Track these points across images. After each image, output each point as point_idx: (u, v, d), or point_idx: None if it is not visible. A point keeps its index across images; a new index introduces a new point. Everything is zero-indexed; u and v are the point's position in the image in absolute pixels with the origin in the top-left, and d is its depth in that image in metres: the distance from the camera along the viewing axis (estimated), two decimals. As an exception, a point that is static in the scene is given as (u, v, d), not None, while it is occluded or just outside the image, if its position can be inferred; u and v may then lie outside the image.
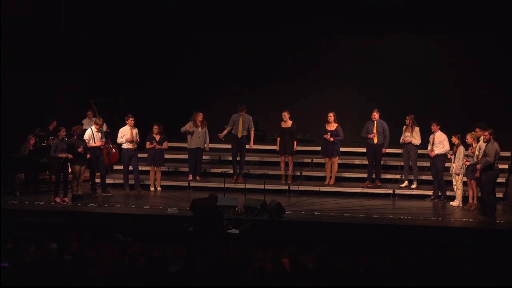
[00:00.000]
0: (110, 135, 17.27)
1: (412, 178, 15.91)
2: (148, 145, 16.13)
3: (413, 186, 15.81)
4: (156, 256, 10.31)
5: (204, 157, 17.27)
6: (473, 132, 14.19)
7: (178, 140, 17.37)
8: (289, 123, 16.22)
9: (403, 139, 15.71)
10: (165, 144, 16.30)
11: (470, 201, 14.43)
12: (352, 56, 18.95)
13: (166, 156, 17.02)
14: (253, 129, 16.69)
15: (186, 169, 16.83)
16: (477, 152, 13.82)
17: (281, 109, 16.44)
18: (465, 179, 14.50)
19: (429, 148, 15.22)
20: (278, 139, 16.36)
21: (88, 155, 15.38)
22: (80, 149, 15.13)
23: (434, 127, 15.22)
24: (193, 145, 16.40)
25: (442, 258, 11.73)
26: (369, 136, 15.90)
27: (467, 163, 14.05)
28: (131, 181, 16.18)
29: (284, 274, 9.19)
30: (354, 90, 19.02)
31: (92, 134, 15.72)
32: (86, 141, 15.58)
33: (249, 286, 8.88)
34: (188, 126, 16.43)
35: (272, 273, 9.05)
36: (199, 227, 12.14)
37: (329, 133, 15.85)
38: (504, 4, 17.22)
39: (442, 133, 15.16)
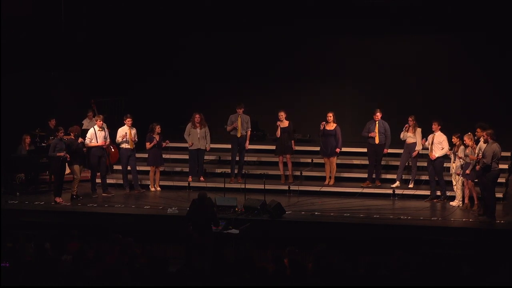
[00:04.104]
0: (110, 135, 17.24)
1: (406, 178, 15.97)
2: (148, 145, 16.08)
3: (410, 185, 15.82)
4: (156, 256, 10.29)
5: (205, 157, 17.25)
6: (469, 133, 14.19)
7: (178, 140, 17.37)
8: (286, 123, 16.23)
9: (404, 134, 15.65)
10: (165, 143, 16.30)
11: (466, 201, 14.44)
12: (352, 56, 18.95)
13: (166, 156, 17.03)
14: (250, 129, 16.70)
15: (186, 169, 16.82)
16: (477, 152, 13.82)
17: (281, 109, 16.45)
18: (462, 178, 14.51)
19: (425, 145, 15.20)
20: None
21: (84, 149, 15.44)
22: (84, 149, 15.27)
23: (435, 126, 15.19)
24: (193, 147, 16.39)
25: (442, 258, 11.75)
26: (370, 135, 15.89)
27: (477, 167, 14.00)
28: (130, 181, 16.21)
29: (284, 274, 9.19)
30: (354, 90, 19.02)
31: (94, 133, 15.72)
32: (88, 140, 15.60)
33: (249, 286, 8.88)
34: (188, 129, 16.41)
35: (272, 273, 9.05)
36: (193, 225, 12.20)
37: (324, 122, 15.84)
38: (504, 4, 17.22)
39: (442, 134, 15.15)
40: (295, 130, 16.65)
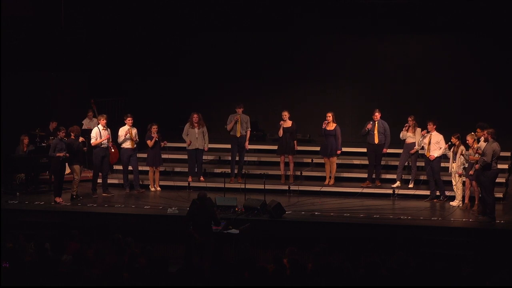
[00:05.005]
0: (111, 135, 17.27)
1: (406, 178, 15.98)
2: (149, 143, 16.03)
3: (410, 185, 15.83)
4: (156, 256, 10.30)
5: (205, 157, 17.26)
6: (473, 133, 14.18)
7: (177, 140, 17.36)
8: (289, 123, 16.24)
9: (404, 133, 15.66)
10: (163, 143, 16.32)
11: (466, 201, 14.45)
12: (352, 56, 18.95)
13: (166, 156, 17.04)
14: (249, 129, 16.72)
15: (185, 169, 16.83)
16: (476, 149, 13.84)
17: (281, 109, 16.46)
18: (464, 178, 14.52)
19: (421, 146, 15.25)
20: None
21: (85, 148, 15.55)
22: (84, 148, 15.36)
23: (430, 126, 15.22)
24: (191, 146, 16.40)
25: (442, 258, 11.75)
26: (366, 127, 15.85)
27: (476, 166, 13.94)
28: (131, 181, 16.22)
29: (284, 274, 9.19)
30: (354, 90, 19.02)
31: (99, 132, 15.72)
32: (94, 139, 15.60)
33: (249, 286, 8.88)
34: (186, 129, 16.42)
35: (272, 273, 9.05)
36: (193, 225, 12.22)
37: (326, 121, 15.85)
38: (504, 4, 17.23)
39: (438, 133, 15.19)
40: (297, 130, 16.61)
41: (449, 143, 14.77)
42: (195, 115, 16.41)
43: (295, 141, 16.29)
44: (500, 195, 14.92)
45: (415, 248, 12.45)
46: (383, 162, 16.33)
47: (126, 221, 14.08)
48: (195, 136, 16.37)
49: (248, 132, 16.67)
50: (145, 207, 14.89)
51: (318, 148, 16.51)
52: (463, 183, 14.57)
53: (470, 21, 17.63)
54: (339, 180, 16.30)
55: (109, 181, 16.19)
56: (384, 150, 16.00)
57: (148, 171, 16.32)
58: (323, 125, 15.91)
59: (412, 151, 15.65)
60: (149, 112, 18.40)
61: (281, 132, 16.19)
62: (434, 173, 15.12)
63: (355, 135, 17.52)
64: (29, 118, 17.26)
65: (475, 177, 13.89)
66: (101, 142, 15.65)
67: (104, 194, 15.78)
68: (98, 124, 16.00)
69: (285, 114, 16.24)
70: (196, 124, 16.37)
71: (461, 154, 14.34)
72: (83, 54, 18.77)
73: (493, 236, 12.99)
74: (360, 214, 14.23)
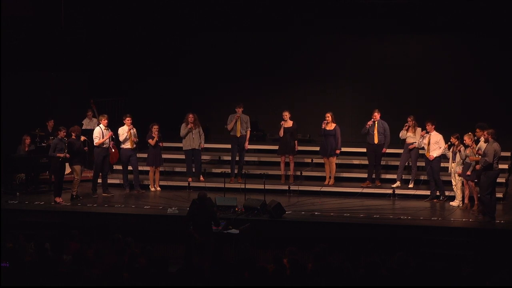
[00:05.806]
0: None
1: (406, 178, 15.99)
2: (151, 141, 16.02)
3: (410, 185, 15.84)
4: (156, 256, 10.29)
5: (205, 157, 17.27)
6: (470, 133, 14.18)
7: (177, 140, 17.35)
8: (290, 123, 16.24)
9: (404, 133, 15.67)
10: (161, 144, 16.32)
11: (466, 201, 14.45)
12: (352, 56, 18.94)
13: (165, 156, 17.02)
14: (249, 129, 16.72)
15: (184, 169, 16.80)
16: (477, 151, 13.84)
17: (281, 109, 16.46)
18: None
19: (421, 146, 15.26)
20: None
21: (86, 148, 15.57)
22: (85, 148, 15.40)
23: (429, 127, 15.24)
24: (187, 147, 16.39)
25: (442, 258, 11.75)
26: (366, 124, 15.86)
27: (477, 167, 13.87)
28: (131, 181, 16.22)
29: (284, 274, 9.19)
30: (354, 90, 19.02)
31: (101, 131, 15.72)
32: (97, 138, 15.60)
33: (249, 286, 8.88)
34: (183, 128, 16.42)
35: (272, 273, 9.05)
36: (193, 225, 12.22)
37: (325, 121, 15.85)
38: (504, 4, 17.22)
39: (437, 133, 15.21)
40: (297, 130, 16.61)
41: (449, 143, 14.77)
42: (191, 115, 16.40)
43: (296, 141, 16.29)
44: (500, 195, 14.91)
45: (415, 248, 12.45)
46: (383, 162, 16.34)
47: (126, 221, 14.09)
48: (191, 136, 16.36)
49: (248, 132, 16.68)
50: (145, 207, 14.90)
51: (318, 148, 16.51)
52: (463, 183, 14.57)
53: (470, 21, 17.62)
54: (339, 180, 16.31)
55: (109, 181, 16.19)
56: (384, 150, 16.01)
57: (148, 171, 16.33)
58: (323, 125, 15.92)
59: (411, 147, 15.64)
60: (149, 112, 18.40)
61: (281, 132, 16.19)
62: (434, 173, 15.13)
63: (355, 135, 17.52)
64: (29, 118, 17.26)
65: (475, 177, 13.89)
66: (103, 142, 15.67)
67: (104, 194, 15.79)
68: (99, 124, 16.02)
69: (286, 114, 16.24)
70: (192, 124, 16.35)
71: (458, 150, 14.31)
72: (83, 54, 18.77)
73: (493, 236, 13.00)
74: (360, 214, 14.23)
